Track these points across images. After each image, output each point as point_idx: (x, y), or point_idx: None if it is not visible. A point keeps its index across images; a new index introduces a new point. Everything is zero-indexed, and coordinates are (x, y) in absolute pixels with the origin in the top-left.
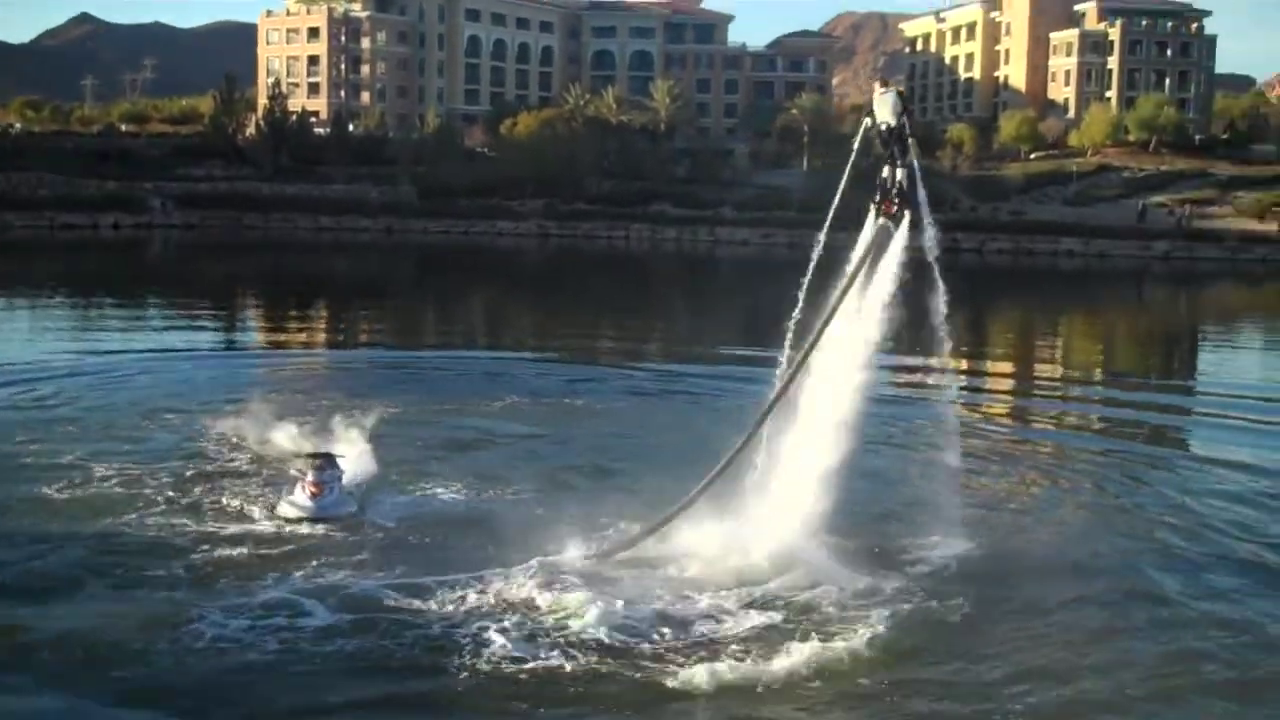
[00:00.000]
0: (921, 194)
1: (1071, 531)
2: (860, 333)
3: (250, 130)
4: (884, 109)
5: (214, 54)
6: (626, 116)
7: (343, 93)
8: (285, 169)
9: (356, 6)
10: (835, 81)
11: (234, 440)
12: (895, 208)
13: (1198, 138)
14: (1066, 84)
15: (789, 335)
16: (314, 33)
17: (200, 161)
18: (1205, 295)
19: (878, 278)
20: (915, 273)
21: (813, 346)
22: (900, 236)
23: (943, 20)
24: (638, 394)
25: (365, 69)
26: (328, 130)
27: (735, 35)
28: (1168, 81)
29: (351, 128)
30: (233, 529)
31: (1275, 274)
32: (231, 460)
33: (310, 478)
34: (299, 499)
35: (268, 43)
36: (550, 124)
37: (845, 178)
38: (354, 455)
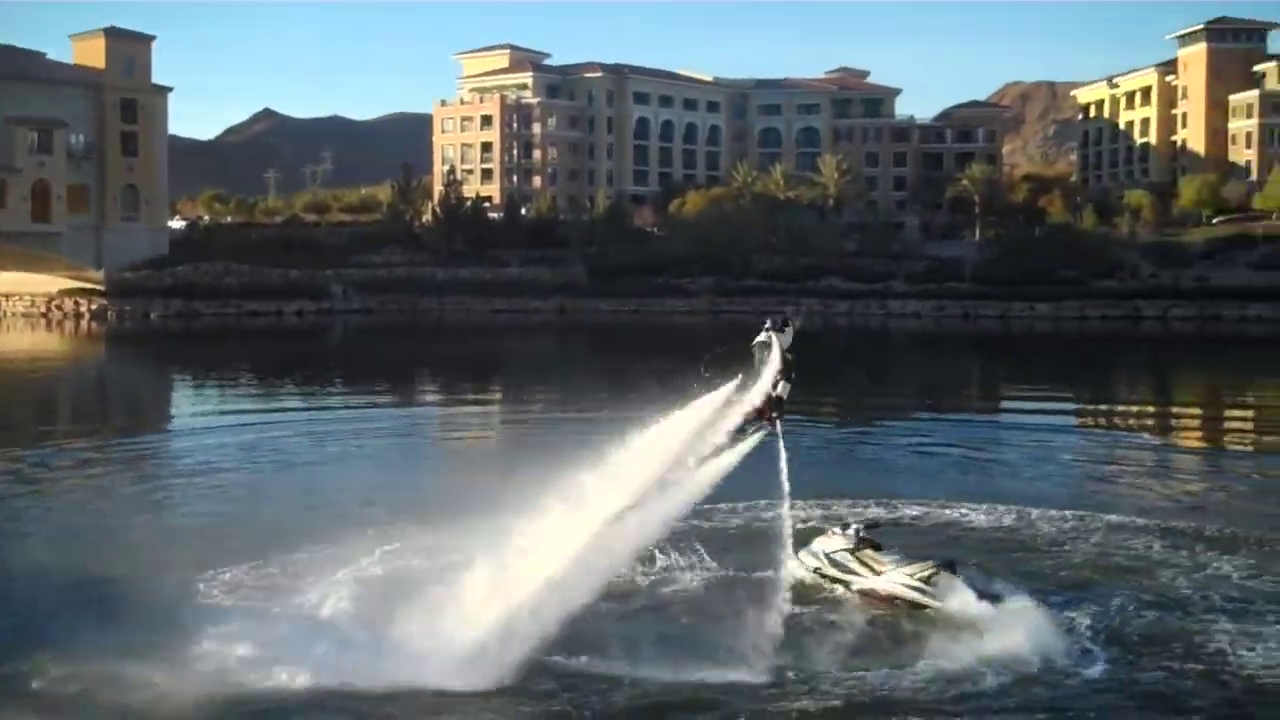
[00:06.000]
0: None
1: None
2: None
3: (426, 217)
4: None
5: (389, 144)
6: (794, 192)
7: (515, 177)
8: (460, 253)
9: (528, 93)
10: (1005, 151)
11: None
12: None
13: None
14: (1248, 146)
15: None
16: (487, 120)
17: (379, 248)
18: None
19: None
20: None
21: None
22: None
23: (1116, 86)
24: None
25: (536, 153)
26: (501, 214)
27: (902, 108)
28: None
29: (524, 211)
30: None
31: None
32: None
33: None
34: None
35: (442, 131)
36: (718, 202)
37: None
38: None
